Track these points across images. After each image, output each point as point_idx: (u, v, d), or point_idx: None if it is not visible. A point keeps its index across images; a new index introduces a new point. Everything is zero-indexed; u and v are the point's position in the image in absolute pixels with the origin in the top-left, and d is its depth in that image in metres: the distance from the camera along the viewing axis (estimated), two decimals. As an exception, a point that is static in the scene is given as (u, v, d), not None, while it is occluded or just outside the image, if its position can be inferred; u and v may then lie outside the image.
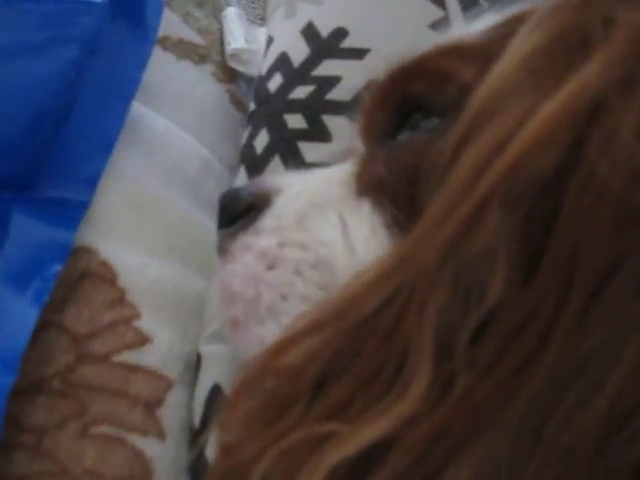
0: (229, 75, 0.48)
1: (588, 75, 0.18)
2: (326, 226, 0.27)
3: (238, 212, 0.30)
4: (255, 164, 0.40)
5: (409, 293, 0.19)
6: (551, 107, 0.18)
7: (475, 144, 0.19)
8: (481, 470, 0.19)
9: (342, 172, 0.29)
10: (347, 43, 0.44)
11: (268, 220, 0.29)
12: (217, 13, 0.51)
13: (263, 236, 0.28)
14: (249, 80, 0.48)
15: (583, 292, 0.18)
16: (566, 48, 0.20)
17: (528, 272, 0.19)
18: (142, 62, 0.35)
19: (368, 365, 0.19)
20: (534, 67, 0.20)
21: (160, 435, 0.30)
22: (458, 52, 0.26)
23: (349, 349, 0.20)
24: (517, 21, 0.24)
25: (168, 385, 0.32)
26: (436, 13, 0.47)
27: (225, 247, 0.30)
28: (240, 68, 0.48)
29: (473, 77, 0.23)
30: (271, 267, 0.27)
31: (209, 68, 0.48)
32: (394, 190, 0.24)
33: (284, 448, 0.20)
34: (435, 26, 0.48)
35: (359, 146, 0.30)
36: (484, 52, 0.24)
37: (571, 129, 0.18)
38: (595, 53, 0.18)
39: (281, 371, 0.21)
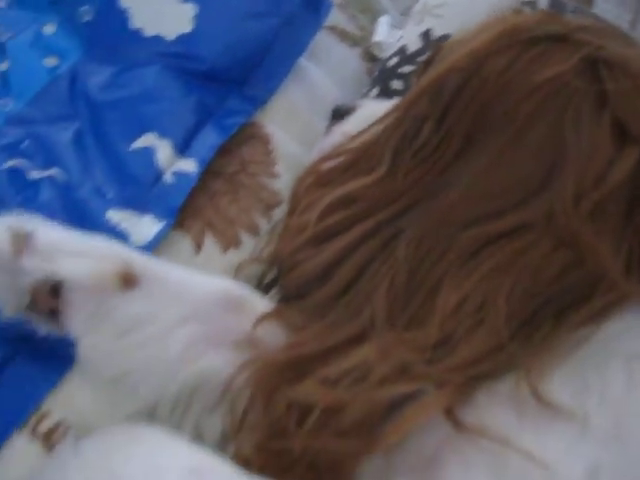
0: (370, 58, 0.74)
1: (481, 42, 0.40)
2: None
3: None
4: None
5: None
6: (462, 54, 0.40)
7: (432, 68, 0.42)
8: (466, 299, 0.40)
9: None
10: (448, 44, 0.67)
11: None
12: (374, 18, 0.77)
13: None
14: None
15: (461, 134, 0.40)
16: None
17: (441, 126, 0.41)
18: (313, 32, 0.62)
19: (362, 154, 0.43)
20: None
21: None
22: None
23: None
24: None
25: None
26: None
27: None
28: (378, 54, 0.73)
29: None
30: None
31: (359, 51, 0.73)
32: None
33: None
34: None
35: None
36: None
37: (466, 67, 0.40)
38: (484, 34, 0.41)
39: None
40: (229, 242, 0.51)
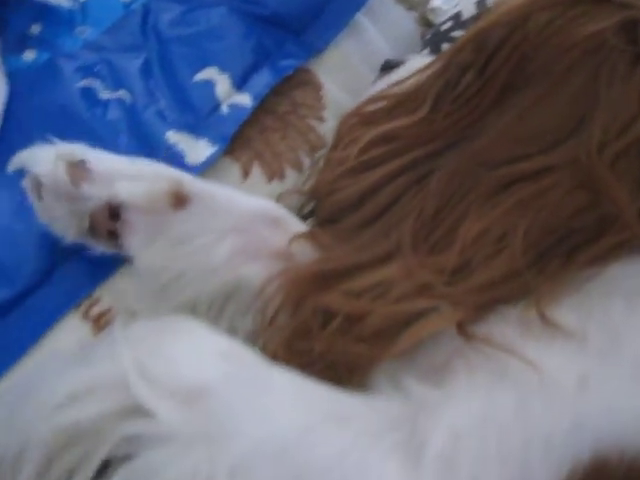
0: (425, 23, 0.76)
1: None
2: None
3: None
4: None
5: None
6: (507, 9, 0.43)
7: (479, 21, 0.45)
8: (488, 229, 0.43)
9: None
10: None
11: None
12: (432, -15, 0.79)
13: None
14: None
15: (501, 83, 0.43)
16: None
17: (482, 75, 0.44)
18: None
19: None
20: None
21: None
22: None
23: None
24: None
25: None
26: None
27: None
28: (433, 20, 0.76)
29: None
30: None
31: (414, 15, 0.76)
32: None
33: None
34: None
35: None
36: None
37: (510, 21, 0.43)
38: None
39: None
40: (274, 173, 0.55)
